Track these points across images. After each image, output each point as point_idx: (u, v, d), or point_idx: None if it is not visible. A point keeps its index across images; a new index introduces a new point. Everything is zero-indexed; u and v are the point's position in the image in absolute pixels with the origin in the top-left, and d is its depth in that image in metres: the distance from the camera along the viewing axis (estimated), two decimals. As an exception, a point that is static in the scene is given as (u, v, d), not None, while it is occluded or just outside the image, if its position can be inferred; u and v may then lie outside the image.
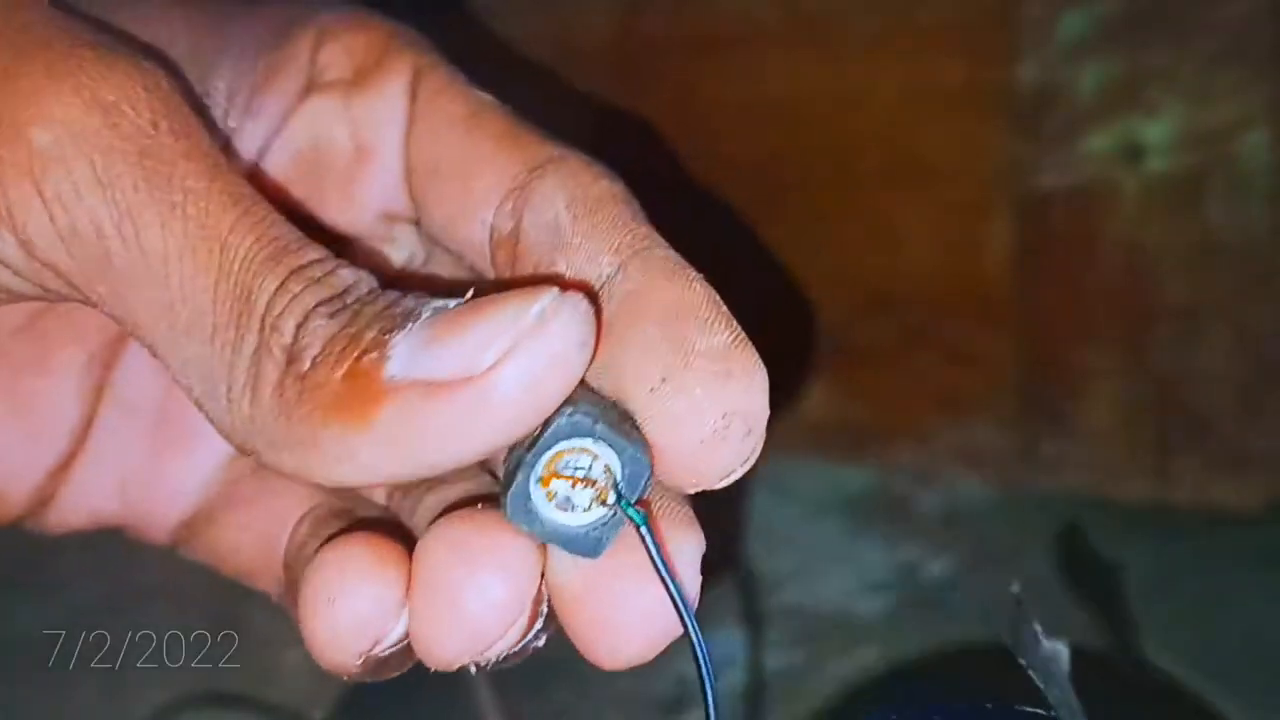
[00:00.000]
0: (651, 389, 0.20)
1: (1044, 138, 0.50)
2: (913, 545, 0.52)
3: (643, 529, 0.20)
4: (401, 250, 0.26)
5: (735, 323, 0.22)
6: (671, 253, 0.22)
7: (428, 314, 0.18)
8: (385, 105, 0.24)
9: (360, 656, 0.21)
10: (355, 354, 0.18)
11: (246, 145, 0.24)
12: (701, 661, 0.19)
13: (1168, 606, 0.47)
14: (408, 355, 0.18)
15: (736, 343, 0.21)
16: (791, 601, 0.49)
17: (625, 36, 0.58)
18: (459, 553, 0.20)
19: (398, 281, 0.21)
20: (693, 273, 0.22)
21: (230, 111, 0.24)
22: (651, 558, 0.19)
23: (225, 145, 0.24)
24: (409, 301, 0.19)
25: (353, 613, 0.21)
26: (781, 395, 0.59)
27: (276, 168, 0.25)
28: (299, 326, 0.18)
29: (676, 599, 0.19)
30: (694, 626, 0.19)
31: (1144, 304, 0.51)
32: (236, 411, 0.19)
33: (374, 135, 0.24)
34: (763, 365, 0.21)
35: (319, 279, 0.19)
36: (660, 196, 0.60)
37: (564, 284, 0.20)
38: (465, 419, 0.18)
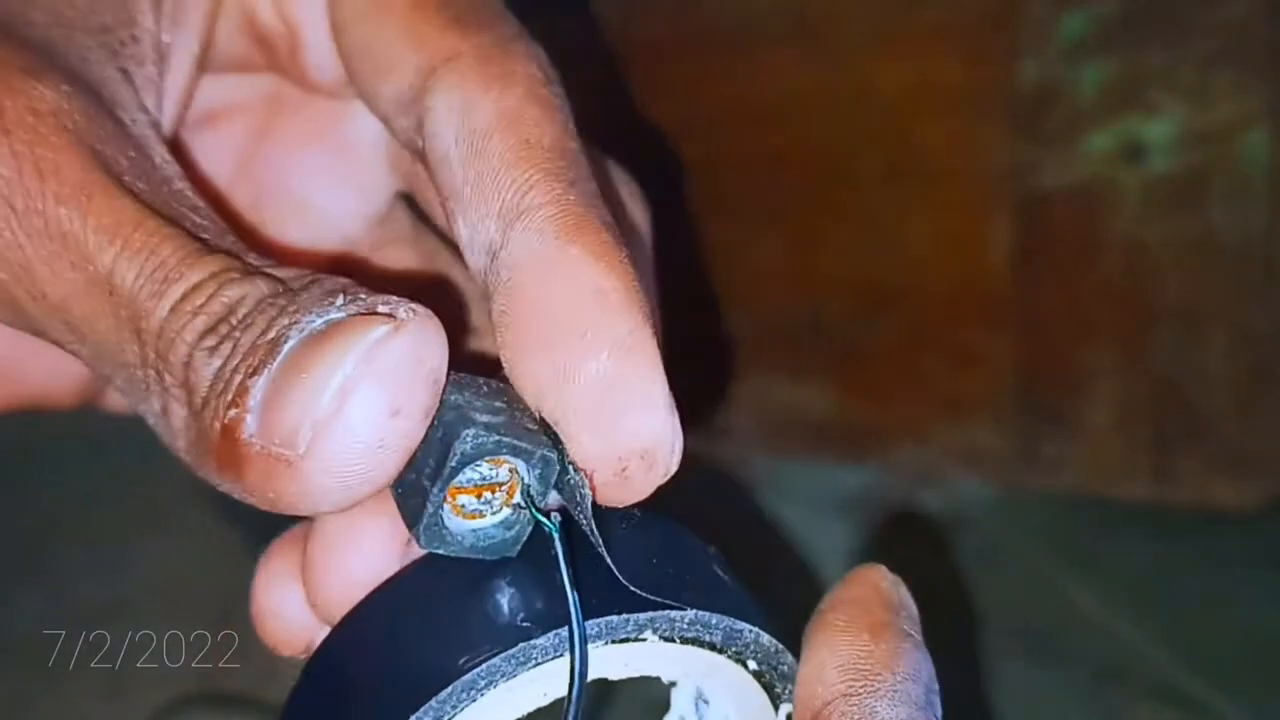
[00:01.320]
0: (549, 423, 0.19)
1: (1044, 138, 0.50)
2: (913, 546, 0.52)
3: (555, 536, 0.19)
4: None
5: (627, 322, 0.19)
6: (555, 208, 0.20)
7: (293, 343, 0.18)
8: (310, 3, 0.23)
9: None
10: (225, 405, 0.18)
11: (184, 49, 0.23)
12: (576, 675, 0.18)
13: (1167, 605, 0.47)
14: (260, 412, 0.18)
15: (624, 368, 0.19)
16: (792, 600, 0.49)
17: (624, 37, 0.58)
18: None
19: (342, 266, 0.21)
20: (575, 246, 0.19)
21: (161, 25, 0.23)
22: (559, 563, 0.19)
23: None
24: (284, 320, 0.18)
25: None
26: (782, 395, 0.59)
27: (226, 57, 0.24)
28: (185, 366, 0.18)
29: (573, 609, 0.18)
30: (580, 638, 0.18)
31: (1144, 304, 0.50)
32: (163, 435, 0.19)
33: (298, 13, 0.23)
34: (653, 382, 0.19)
35: (202, 305, 0.18)
36: (660, 197, 0.61)
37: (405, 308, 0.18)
38: (296, 488, 0.18)
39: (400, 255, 0.26)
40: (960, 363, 0.55)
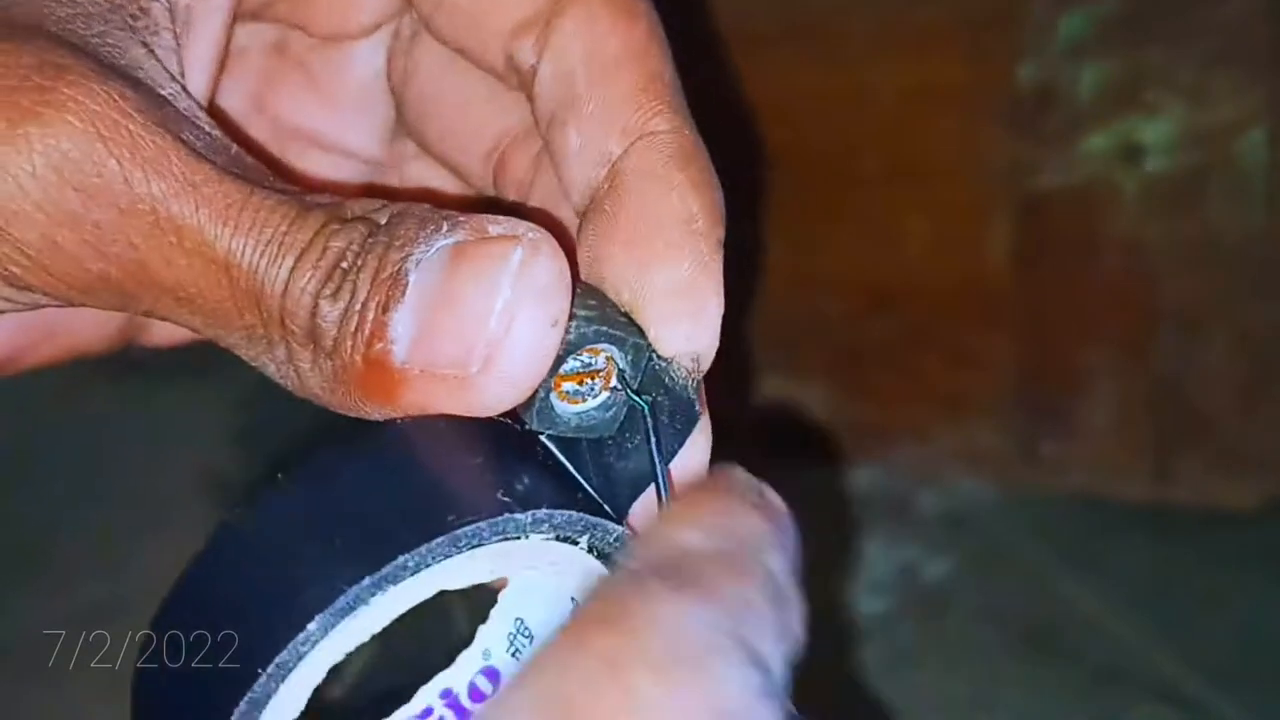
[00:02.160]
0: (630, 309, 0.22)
1: (1044, 138, 0.50)
2: (913, 544, 0.52)
3: (645, 412, 0.21)
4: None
5: (708, 246, 0.22)
6: (675, 136, 0.23)
7: (415, 275, 0.19)
8: None
9: None
10: (365, 341, 0.20)
11: (212, 8, 0.24)
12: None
13: (1167, 605, 0.47)
14: (409, 342, 0.20)
15: (696, 281, 0.22)
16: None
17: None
18: None
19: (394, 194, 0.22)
20: (683, 174, 0.22)
21: None
22: (649, 436, 0.21)
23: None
24: (395, 255, 0.20)
25: None
26: (782, 395, 0.59)
27: (244, 5, 0.25)
28: (312, 316, 0.20)
29: (659, 475, 0.21)
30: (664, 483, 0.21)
31: (1143, 304, 0.51)
32: (288, 381, 0.21)
33: None
34: (715, 301, 0.22)
35: (316, 263, 0.20)
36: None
37: (544, 224, 0.21)
38: (473, 398, 0.20)
39: (421, 171, 0.28)
40: (960, 363, 0.55)
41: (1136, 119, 0.49)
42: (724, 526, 0.18)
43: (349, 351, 0.20)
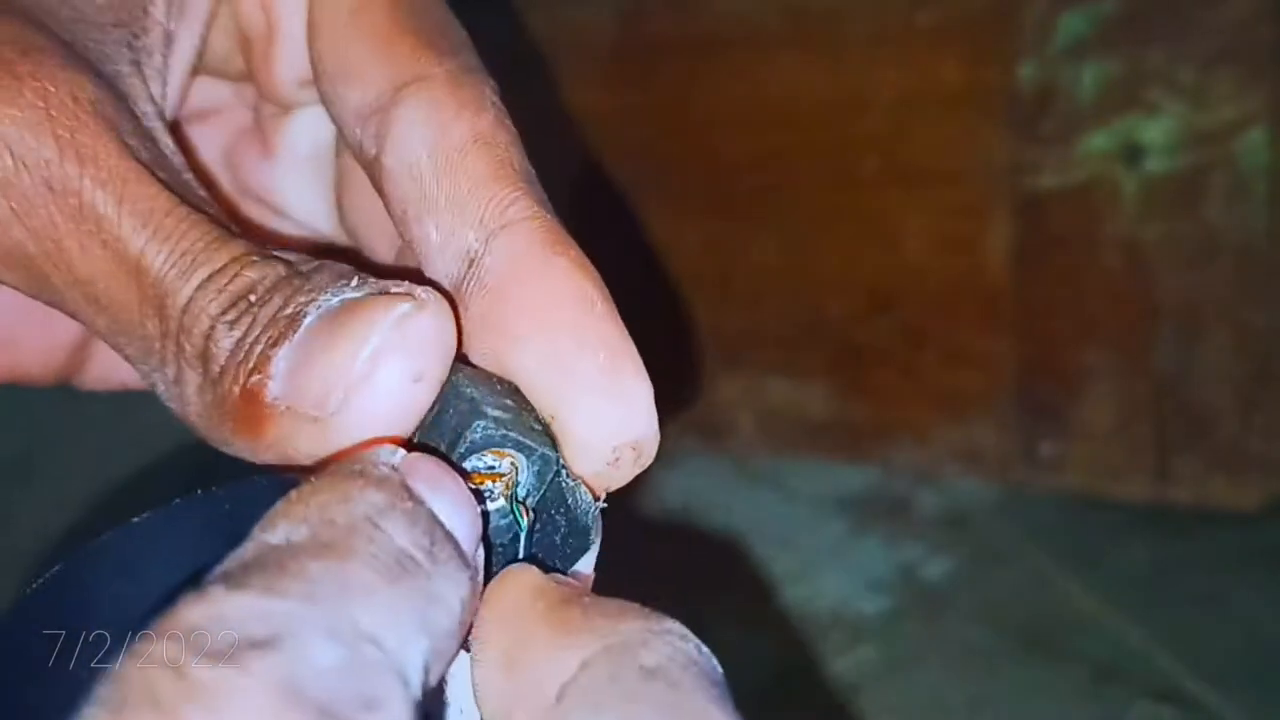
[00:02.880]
0: (548, 417, 0.21)
1: (1044, 138, 0.50)
2: (913, 544, 0.52)
3: (521, 533, 0.20)
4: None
5: (614, 325, 0.22)
6: (538, 222, 0.21)
7: (312, 318, 0.20)
8: None
9: None
10: (246, 372, 0.20)
11: (187, 40, 0.24)
12: None
13: (1166, 604, 0.47)
14: (286, 377, 0.20)
15: (616, 363, 0.21)
16: (792, 601, 0.49)
17: (627, 37, 0.58)
18: None
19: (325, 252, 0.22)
20: (562, 258, 0.21)
21: (170, 15, 0.24)
22: (519, 553, 0.20)
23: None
24: (301, 298, 0.20)
25: None
26: (782, 395, 0.59)
27: (212, 56, 0.25)
28: (206, 338, 0.20)
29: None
30: None
31: (1143, 304, 0.50)
32: (172, 402, 0.21)
33: (280, 13, 0.24)
34: (643, 383, 0.21)
35: (224, 287, 0.20)
36: (660, 197, 0.61)
37: (424, 283, 0.20)
38: (325, 439, 0.20)
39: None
40: (960, 362, 0.55)
41: (1136, 119, 0.49)
42: (323, 513, 0.17)
43: (230, 381, 0.20)
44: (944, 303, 0.54)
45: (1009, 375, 0.54)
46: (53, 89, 0.20)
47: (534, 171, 0.22)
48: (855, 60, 0.53)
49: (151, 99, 0.22)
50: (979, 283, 0.53)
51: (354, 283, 0.20)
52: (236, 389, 0.20)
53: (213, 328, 0.20)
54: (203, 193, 0.22)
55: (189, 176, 0.22)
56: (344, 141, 0.24)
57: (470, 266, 0.21)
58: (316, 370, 0.19)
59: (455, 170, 0.22)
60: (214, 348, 0.20)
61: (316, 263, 0.21)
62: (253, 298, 0.20)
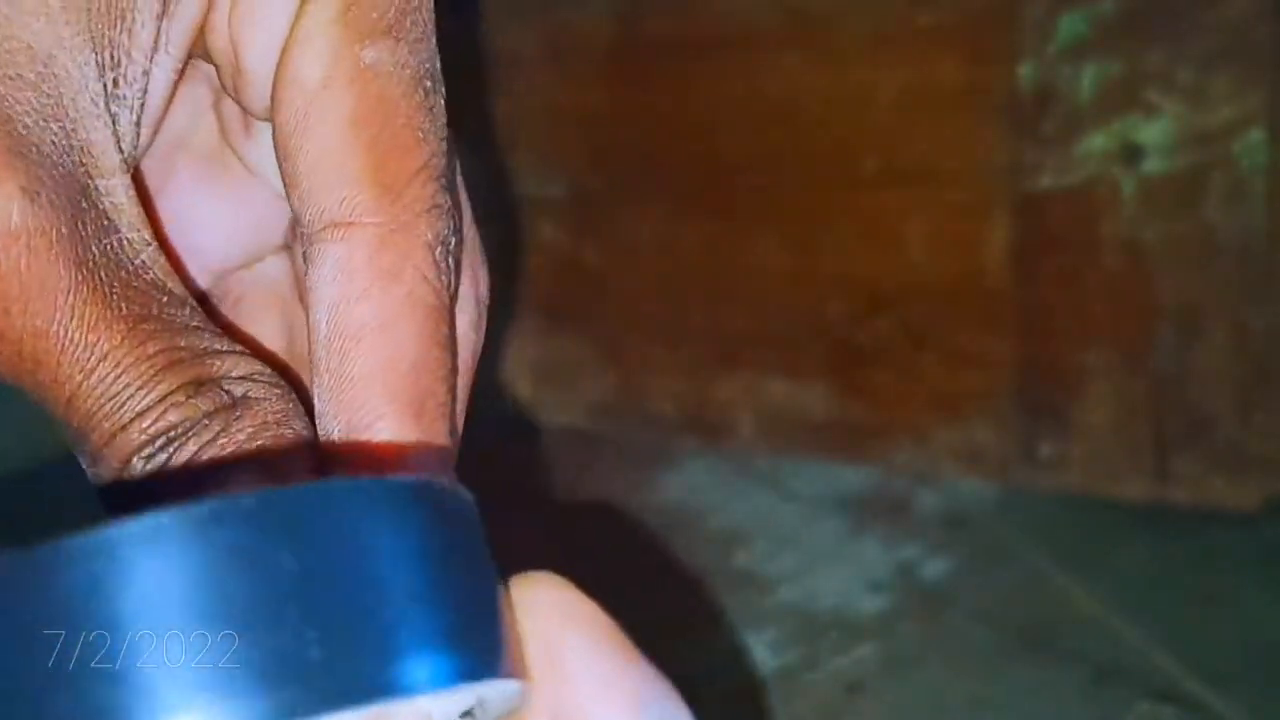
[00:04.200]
0: None
1: (1043, 138, 0.50)
2: (912, 544, 0.52)
3: None
4: None
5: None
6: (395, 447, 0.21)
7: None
8: (263, 28, 0.22)
9: None
10: None
11: (163, 77, 0.23)
12: None
13: (1166, 605, 0.47)
14: None
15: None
16: (791, 600, 0.49)
17: (625, 37, 0.58)
18: None
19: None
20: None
21: (153, 58, 0.22)
22: None
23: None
24: (213, 451, 0.20)
25: None
26: (782, 395, 0.59)
27: (196, 69, 0.24)
28: (121, 469, 0.20)
29: None
30: None
31: (1143, 304, 0.51)
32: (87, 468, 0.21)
33: (246, 60, 0.23)
34: None
35: (146, 427, 0.20)
36: (659, 197, 0.61)
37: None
38: None
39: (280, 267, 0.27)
40: (959, 362, 0.55)
41: (1136, 119, 0.49)
42: None
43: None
44: (943, 303, 0.54)
45: (1008, 375, 0.54)
46: None
47: (437, 350, 0.21)
48: (854, 60, 0.53)
49: (122, 165, 0.21)
50: (978, 283, 0.53)
51: (266, 441, 0.20)
52: None
53: (129, 461, 0.20)
54: (162, 275, 0.21)
55: (148, 259, 0.21)
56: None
57: (326, 460, 0.21)
58: None
59: (342, 354, 0.21)
60: (127, 476, 0.20)
61: (252, 389, 0.20)
62: (171, 435, 0.20)
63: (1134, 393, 0.52)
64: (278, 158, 0.22)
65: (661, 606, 0.47)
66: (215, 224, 0.26)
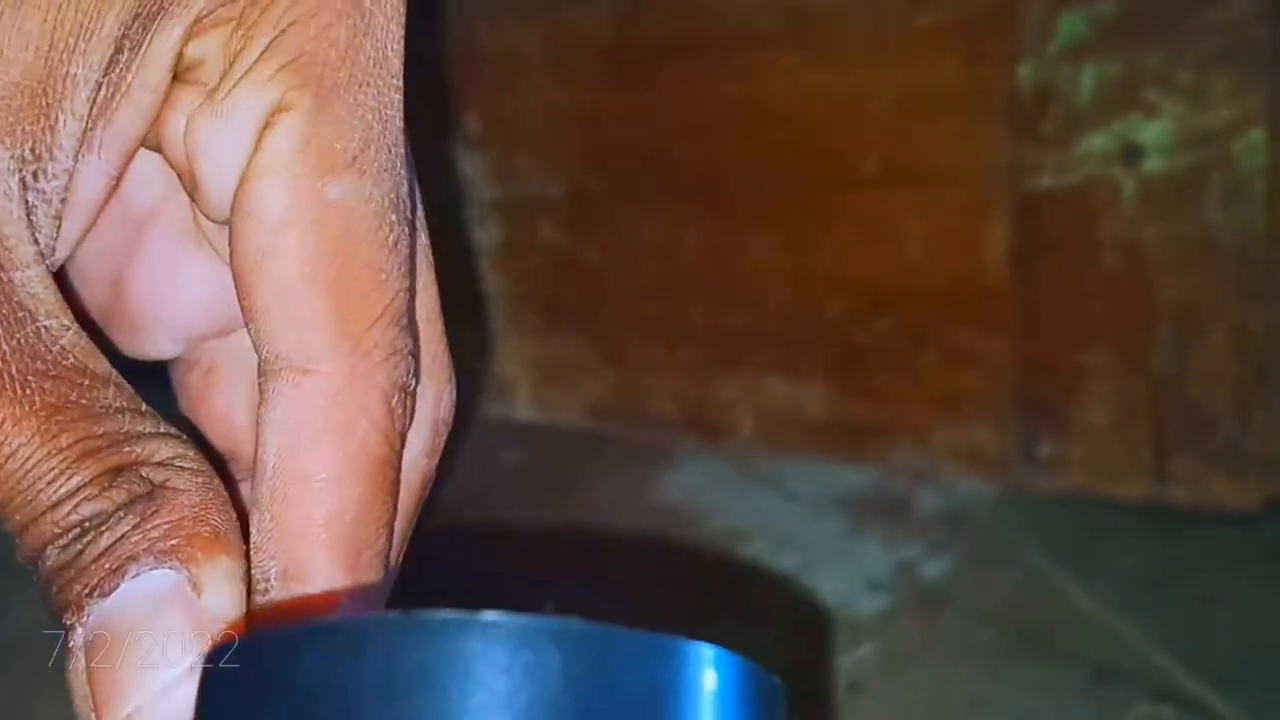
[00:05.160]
0: None
1: (1043, 138, 0.51)
2: (912, 544, 0.52)
3: None
4: None
5: None
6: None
7: (129, 579, 0.20)
8: (220, 149, 0.22)
9: None
10: (64, 607, 0.20)
11: (97, 177, 0.22)
12: None
13: (1165, 605, 0.47)
14: (89, 639, 0.20)
15: None
16: (791, 599, 0.49)
17: (625, 37, 0.58)
18: None
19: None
20: None
21: (80, 154, 0.22)
22: None
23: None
24: (123, 550, 0.20)
25: None
26: (781, 395, 0.59)
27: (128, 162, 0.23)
28: (37, 561, 0.20)
29: None
30: None
31: (1142, 304, 0.51)
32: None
33: (202, 175, 0.22)
34: None
35: (59, 520, 0.20)
36: (658, 197, 0.61)
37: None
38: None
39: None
40: (959, 362, 0.55)
41: (1136, 120, 0.49)
42: None
43: (56, 596, 0.20)
44: (943, 303, 0.55)
45: (1008, 375, 0.54)
46: None
47: (364, 519, 0.22)
48: (854, 61, 0.53)
49: (39, 256, 0.21)
50: (978, 283, 0.53)
51: (174, 543, 0.20)
52: (57, 607, 0.20)
53: (44, 551, 0.20)
54: (81, 360, 0.21)
55: (67, 345, 0.21)
56: None
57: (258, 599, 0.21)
58: (109, 677, 0.20)
59: (283, 504, 0.21)
60: (43, 567, 0.20)
61: (168, 477, 0.20)
62: (85, 526, 0.20)
63: (1133, 393, 0.52)
64: (235, 287, 0.22)
65: (661, 606, 0.47)
66: (186, 296, 0.26)
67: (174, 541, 0.20)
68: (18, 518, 0.20)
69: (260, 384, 0.22)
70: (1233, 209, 0.49)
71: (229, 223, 0.22)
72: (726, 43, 0.56)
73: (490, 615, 0.15)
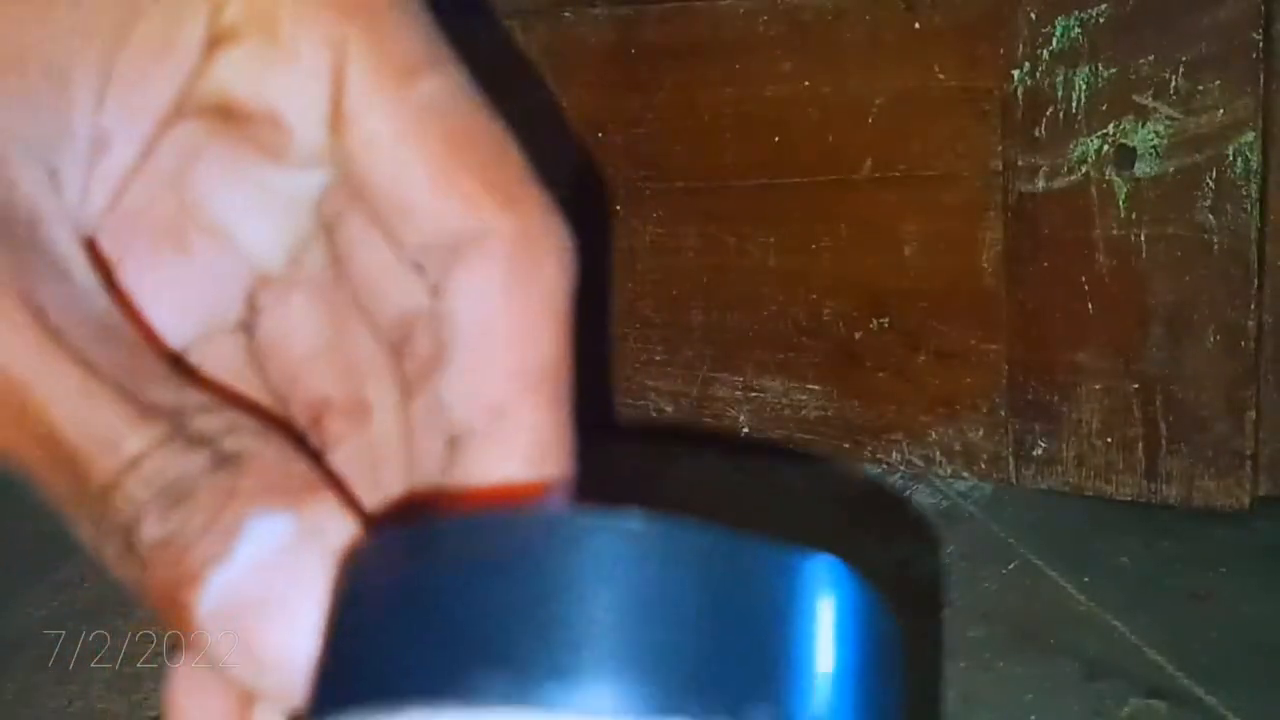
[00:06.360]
0: None
1: (1037, 141, 0.51)
2: (907, 542, 0.53)
3: None
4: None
5: None
6: (535, 434, 0.21)
7: (246, 557, 0.19)
8: (302, 80, 0.22)
9: None
10: (177, 580, 0.19)
11: (129, 139, 0.22)
12: None
13: (1157, 603, 0.47)
14: (219, 612, 0.19)
15: None
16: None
17: (626, 41, 0.58)
18: None
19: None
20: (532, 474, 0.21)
21: (104, 113, 0.21)
22: None
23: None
24: (235, 510, 0.19)
25: None
26: (779, 394, 0.60)
27: (190, 129, 0.23)
28: (129, 531, 0.19)
29: None
30: None
31: (1134, 305, 0.51)
32: (115, 572, 0.20)
33: (289, 109, 0.22)
34: None
35: (150, 482, 0.19)
36: (657, 199, 0.61)
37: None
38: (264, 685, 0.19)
39: (306, 304, 0.26)
40: (954, 363, 0.55)
41: (1128, 123, 0.49)
42: None
43: (158, 579, 0.19)
44: (938, 304, 0.55)
45: (1002, 375, 0.54)
46: None
47: (562, 362, 0.22)
48: (851, 65, 0.53)
49: (66, 210, 0.21)
50: (972, 284, 0.54)
51: (283, 505, 0.19)
52: (163, 589, 0.19)
53: (139, 519, 0.19)
54: (124, 331, 0.20)
55: (106, 314, 0.20)
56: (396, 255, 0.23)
57: (448, 455, 0.21)
58: (261, 629, 0.19)
59: (489, 360, 0.21)
60: (139, 539, 0.19)
61: (240, 443, 0.19)
62: (179, 491, 0.19)
63: (1125, 392, 0.52)
64: (373, 185, 0.22)
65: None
66: (168, 298, 0.25)
67: (275, 493, 0.19)
68: (100, 471, 0.19)
69: (438, 283, 0.22)
70: (1224, 211, 0.49)
71: (334, 163, 0.22)
72: (725, 47, 0.56)
73: (632, 519, 0.16)
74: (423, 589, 0.16)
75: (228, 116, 0.23)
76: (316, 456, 0.24)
